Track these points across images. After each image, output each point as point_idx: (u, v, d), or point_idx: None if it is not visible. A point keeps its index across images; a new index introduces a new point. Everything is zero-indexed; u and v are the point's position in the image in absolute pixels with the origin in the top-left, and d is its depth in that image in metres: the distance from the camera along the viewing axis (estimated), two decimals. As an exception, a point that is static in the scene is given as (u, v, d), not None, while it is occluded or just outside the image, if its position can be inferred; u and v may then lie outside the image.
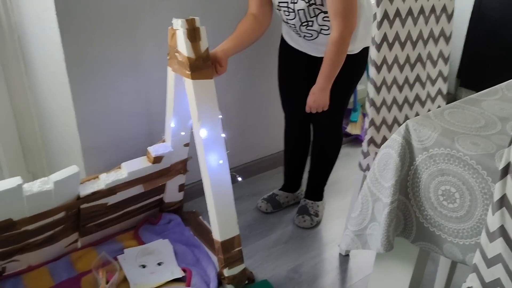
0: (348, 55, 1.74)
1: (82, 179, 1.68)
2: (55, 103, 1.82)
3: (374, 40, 1.54)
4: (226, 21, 1.95)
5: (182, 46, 1.44)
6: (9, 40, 1.78)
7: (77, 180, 1.59)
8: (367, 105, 1.63)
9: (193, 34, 1.43)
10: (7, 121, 1.90)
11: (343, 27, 1.65)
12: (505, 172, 0.89)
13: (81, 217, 1.73)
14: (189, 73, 1.45)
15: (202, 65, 1.47)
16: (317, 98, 1.77)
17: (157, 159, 1.74)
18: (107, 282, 1.62)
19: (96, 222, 1.81)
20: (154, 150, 1.73)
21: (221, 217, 1.60)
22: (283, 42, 1.95)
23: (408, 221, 1.21)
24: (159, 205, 2.02)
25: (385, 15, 1.51)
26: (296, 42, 1.89)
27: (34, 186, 1.50)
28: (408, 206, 1.20)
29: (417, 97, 1.74)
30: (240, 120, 2.28)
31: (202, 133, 1.51)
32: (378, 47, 1.55)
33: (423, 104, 1.76)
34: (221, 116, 1.56)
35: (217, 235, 1.62)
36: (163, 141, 1.80)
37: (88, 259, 1.77)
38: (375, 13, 1.51)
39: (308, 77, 1.87)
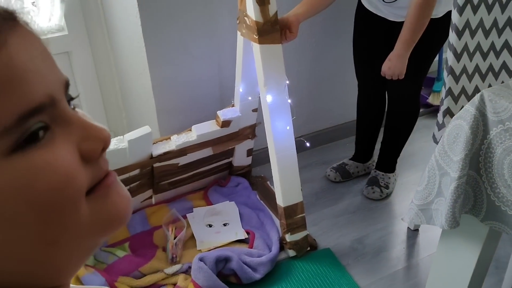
0: (430, 19, 1.62)
1: (155, 139, 1.76)
2: (133, 66, 1.91)
3: (456, 2, 1.42)
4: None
5: (251, 10, 1.43)
6: (94, 7, 1.88)
7: (149, 140, 1.67)
8: (445, 73, 1.52)
9: (262, -3, 1.42)
10: (92, 82, 2.03)
11: None
12: None
13: (155, 175, 1.82)
14: (257, 37, 1.45)
15: (270, 30, 1.45)
16: (393, 65, 1.68)
17: (226, 123, 1.78)
18: (175, 238, 1.71)
19: (169, 181, 1.90)
20: (223, 114, 1.77)
21: (284, 183, 1.61)
22: (360, 5, 1.86)
23: (478, 198, 1.14)
24: (228, 168, 2.07)
25: (470, -25, 1.38)
26: (374, 6, 1.79)
27: (111, 144, 1.60)
28: (479, 183, 1.12)
29: (504, 65, 1.59)
30: (312, 87, 2.24)
31: (268, 98, 1.51)
32: (460, 11, 1.43)
33: (510, 73, 1.61)
34: (288, 82, 1.54)
35: (280, 201, 1.63)
36: (233, 106, 1.83)
37: (160, 215, 1.87)
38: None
39: (385, 44, 1.78)
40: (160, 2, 1.70)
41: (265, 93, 1.51)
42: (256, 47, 1.47)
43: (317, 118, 2.34)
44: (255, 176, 2.11)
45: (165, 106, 1.91)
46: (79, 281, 1.52)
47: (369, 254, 1.77)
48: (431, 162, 1.21)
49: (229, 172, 2.09)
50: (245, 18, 1.47)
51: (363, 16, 1.85)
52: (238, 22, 1.55)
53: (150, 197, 1.94)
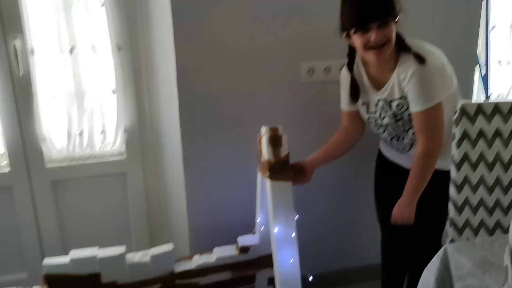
0: (441, 171, 1.71)
1: (178, 257, 1.93)
2: (174, 189, 2.16)
3: (453, 158, 1.52)
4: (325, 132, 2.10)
5: (265, 150, 1.64)
6: (150, 137, 2.24)
7: (171, 256, 1.84)
8: (447, 224, 1.56)
9: (275, 140, 1.64)
10: (141, 200, 2.31)
11: (428, 143, 1.66)
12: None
13: (176, 292, 1.95)
14: (268, 174, 1.63)
15: (281, 169, 1.64)
16: (402, 211, 1.75)
17: (244, 249, 1.91)
18: None
19: (190, 299, 2.01)
20: (242, 240, 1.91)
21: (287, 315, 1.65)
22: (379, 153, 2.01)
23: None
24: (250, 295, 2.14)
25: (465, 134, 1.49)
26: (391, 154, 1.93)
27: (136, 257, 1.80)
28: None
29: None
30: (341, 226, 2.33)
31: (275, 230, 1.64)
32: (458, 167, 1.51)
33: None
34: (298, 216, 1.67)
35: (282, 333, 1.66)
36: (254, 233, 1.97)
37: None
38: (454, 133, 1.51)
39: (402, 190, 1.87)
40: (201, 138, 1.99)
41: (273, 225, 1.65)
42: (268, 183, 1.65)
43: (346, 256, 2.38)
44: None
45: (197, 226, 2.10)
46: None
47: None
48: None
49: (252, 298, 2.15)
50: (261, 157, 1.68)
51: (382, 162, 1.98)
52: (257, 160, 1.77)
53: (173, 313, 2.05)
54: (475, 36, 2.25)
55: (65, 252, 2.13)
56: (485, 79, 2.67)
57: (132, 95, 2.17)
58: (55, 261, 1.75)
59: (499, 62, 2.77)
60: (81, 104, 2.09)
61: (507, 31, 2.72)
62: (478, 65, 2.56)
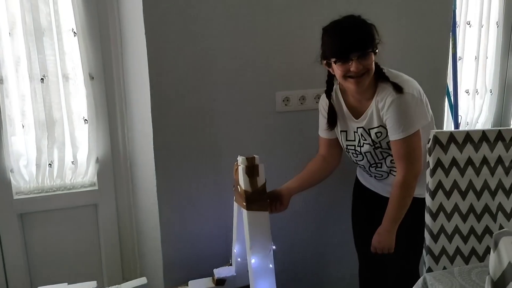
0: (418, 199, 1.72)
1: (152, 292, 1.87)
2: (148, 220, 2.11)
3: (428, 187, 1.54)
4: (301, 160, 2.11)
5: (241, 180, 1.63)
6: (123, 167, 2.19)
7: (145, 291, 1.78)
8: (424, 252, 1.57)
9: (251, 170, 1.62)
10: (113, 232, 2.25)
11: (407, 171, 1.68)
12: None
13: (149, 328, 1.88)
14: (245, 204, 1.61)
15: (258, 198, 1.63)
16: (382, 239, 1.76)
17: (220, 281, 1.87)
18: None
19: (164, 335, 1.94)
20: (218, 272, 1.87)
21: None
22: (357, 181, 2.02)
23: None
24: (227, 329, 2.08)
25: (438, 163, 1.52)
26: (369, 182, 1.94)
27: (108, 292, 1.73)
28: None
29: (488, 250, 1.61)
30: (318, 254, 2.31)
31: (252, 261, 1.61)
32: (433, 195, 1.53)
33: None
34: (274, 247, 1.65)
35: None
36: (230, 265, 1.93)
37: None
38: (428, 161, 1.53)
39: (379, 218, 1.87)
40: (175, 167, 1.96)
41: (250, 256, 1.62)
42: (244, 213, 1.63)
43: (324, 285, 2.35)
44: None
45: (172, 258, 2.05)
46: None
47: None
48: None
49: (228, 333, 2.09)
50: (238, 186, 1.67)
51: (359, 191, 1.99)
52: (233, 189, 1.75)
53: None
54: (444, 67, 2.32)
55: (32, 289, 2.05)
56: (454, 107, 2.75)
57: (105, 125, 2.14)
58: (21, 298, 1.66)
59: (467, 91, 2.86)
60: (52, 134, 2.04)
61: (472, 63, 2.82)
62: (447, 94, 2.63)
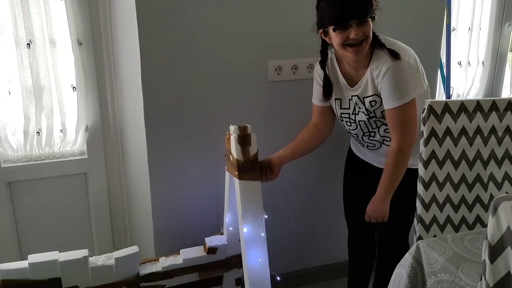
0: (413, 169, 1.72)
1: (143, 259, 1.87)
2: (139, 189, 2.10)
3: (421, 157, 1.54)
4: (293, 130, 2.10)
5: (233, 149, 1.61)
6: (113, 136, 2.16)
7: (136, 259, 1.78)
8: (415, 221, 1.58)
9: (243, 139, 1.60)
10: (103, 202, 2.23)
11: (402, 139, 1.67)
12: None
13: (141, 296, 1.89)
14: (237, 173, 1.60)
15: (250, 168, 1.61)
16: (376, 208, 1.75)
17: (212, 250, 1.87)
18: None
19: (155, 303, 1.95)
20: (209, 241, 1.87)
21: (256, 315, 1.62)
22: (350, 151, 2.01)
23: None
24: (218, 296, 2.10)
25: (432, 132, 1.51)
26: (362, 152, 1.94)
27: (99, 260, 1.73)
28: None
29: (478, 219, 1.63)
30: (309, 224, 2.32)
31: (244, 230, 1.61)
32: (426, 164, 1.53)
33: (485, 226, 1.64)
34: (266, 216, 1.65)
35: (251, 334, 1.63)
36: (221, 234, 1.93)
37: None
38: (422, 131, 1.52)
39: (371, 189, 1.88)
40: (166, 136, 1.93)
41: (242, 225, 1.61)
42: (236, 182, 1.62)
43: (314, 255, 2.38)
44: (245, 308, 2.12)
45: (163, 228, 2.05)
46: None
47: None
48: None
49: (219, 300, 2.11)
50: (230, 156, 1.65)
51: (352, 161, 1.99)
52: (225, 159, 1.73)
53: (137, 317, 1.98)
54: (438, 38, 2.30)
55: (22, 258, 2.03)
56: (446, 79, 2.74)
57: (94, 92, 2.09)
58: (11, 266, 1.65)
59: (459, 63, 2.84)
60: (39, 101, 1.99)
61: (466, 34, 2.80)
62: (440, 66, 2.62)
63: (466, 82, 2.90)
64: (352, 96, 1.74)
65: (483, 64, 2.91)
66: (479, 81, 2.95)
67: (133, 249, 1.76)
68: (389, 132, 1.76)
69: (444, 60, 2.71)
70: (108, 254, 1.76)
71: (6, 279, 1.63)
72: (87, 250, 1.70)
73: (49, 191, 2.14)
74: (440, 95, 2.79)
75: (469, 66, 2.87)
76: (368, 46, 1.61)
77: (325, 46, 1.75)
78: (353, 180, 2.01)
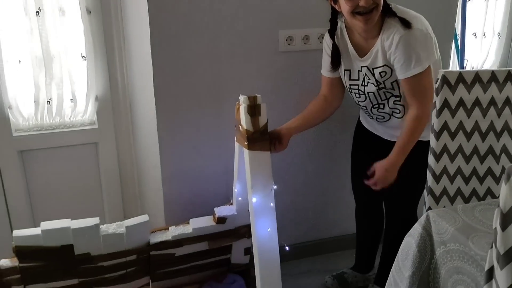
0: (424, 142, 1.70)
1: (154, 228, 1.89)
2: (149, 159, 2.11)
3: (433, 128, 1.52)
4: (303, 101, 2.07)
5: (243, 119, 1.60)
6: (123, 106, 2.16)
7: (147, 228, 1.80)
8: (425, 193, 1.58)
9: (253, 109, 1.59)
10: (114, 171, 2.25)
11: (423, 106, 1.64)
12: (489, 275, 0.83)
13: (152, 263, 1.92)
14: (247, 144, 1.60)
15: (259, 138, 1.60)
16: (387, 173, 1.71)
17: (221, 220, 1.88)
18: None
19: (165, 270, 1.98)
20: (219, 211, 1.88)
21: (265, 282, 1.64)
22: (358, 123, 2.00)
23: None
24: (227, 265, 2.13)
25: (445, 103, 1.49)
26: (371, 125, 1.92)
27: (110, 228, 1.75)
28: (428, 302, 1.13)
29: (488, 191, 1.62)
30: (317, 197, 2.33)
31: (254, 200, 1.61)
32: (437, 136, 1.52)
33: (496, 198, 1.63)
34: (275, 187, 1.65)
35: (260, 301, 1.66)
36: (231, 204, 1.95)
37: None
38: (434, 102, 1.50)
39: (379, 160, 1.86)
40: (176, 107, 1.93)
41: (251, 195, 1.62)
42: (246, 152, 1.62)
43: (322, 227, 2.39)
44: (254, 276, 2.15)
45: (173, 198, 2.06)
46: None
47: None
48: (389, 278, 1.24)
49: (228, 268, 2.14)
50: (239, 126, 1.64)
51: (361, 133, 1.97)
52: (235, 129, 1.73)
53: (148, 284, 2.02)
54: (453, 8, 2.25)
55: (34, 226, 2.06)
56: (461, 51, 2.69)
57: (103, 62, 2.08)
58: (25, 232, 1.68)
59: (474, 34, 2.78)
60: (49, 70, 1.99)
61: (482, 4, 2.73)
62: (454, 37, 2.56)
63: (481, 54, 2.84)
64: (361, 67, 1.71)
65: (498, 35, 2.84)
66: (494, 53, 2.89)
67: (144, 217, 1.78)
68: (398, 104, 1.74)
69: (458, 31, 2.65)
70: (119, 222, 1.78)
71: (20, 245, 1.67)
72: (98, 218, 1.72)
73: (61, 160, 2.16)
74: (454, 67, 2.74)
75: (484, 37, 2.81)
76: (378, 14, 1.58)
77: (334, 15, 1.72)
78: (361, 152, 2.00)
